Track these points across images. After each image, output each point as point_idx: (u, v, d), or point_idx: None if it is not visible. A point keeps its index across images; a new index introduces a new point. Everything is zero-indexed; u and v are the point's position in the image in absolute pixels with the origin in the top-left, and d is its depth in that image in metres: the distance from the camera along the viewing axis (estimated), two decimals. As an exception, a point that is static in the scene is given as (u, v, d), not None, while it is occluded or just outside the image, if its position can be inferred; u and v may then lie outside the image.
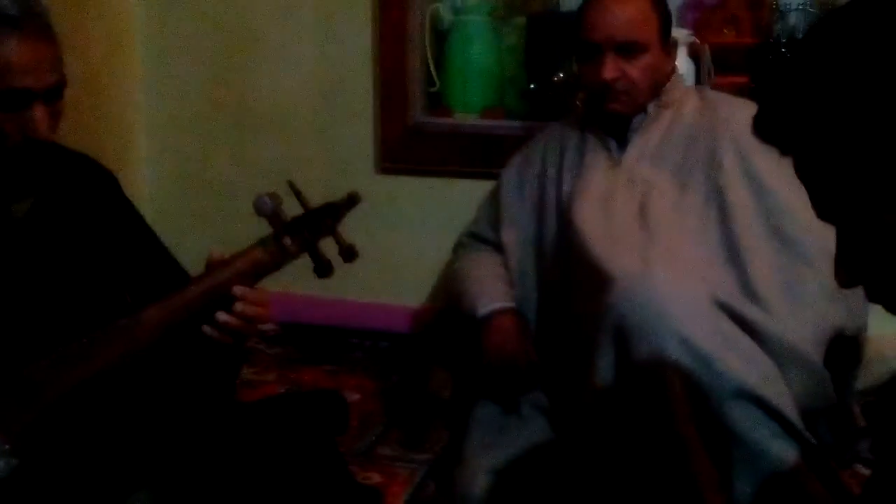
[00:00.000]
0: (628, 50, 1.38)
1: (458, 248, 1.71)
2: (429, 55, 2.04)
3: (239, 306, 1.05)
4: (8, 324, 1.04)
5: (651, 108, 1.45)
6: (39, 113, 1.04)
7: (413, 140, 2.05)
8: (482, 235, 1.66)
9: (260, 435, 1.26)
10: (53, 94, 1.06)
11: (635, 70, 1.39)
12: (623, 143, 1.47)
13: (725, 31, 1.84)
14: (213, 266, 1.08)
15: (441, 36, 2.07)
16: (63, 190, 1.15)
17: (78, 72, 1.12)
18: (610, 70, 1.38)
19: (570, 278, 1.42)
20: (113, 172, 1.28)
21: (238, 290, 1.06)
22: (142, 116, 2.25)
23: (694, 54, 1.73)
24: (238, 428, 1.25)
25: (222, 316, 1.05)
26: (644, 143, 1.44)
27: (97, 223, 1.19)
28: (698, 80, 1.72)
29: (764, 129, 0.65)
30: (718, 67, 1.73)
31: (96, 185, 1.23)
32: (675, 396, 1.14)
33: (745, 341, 1.20)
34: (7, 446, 0.97)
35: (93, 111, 1.11)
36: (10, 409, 0.98)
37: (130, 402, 1.11)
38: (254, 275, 1.08)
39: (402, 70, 2.01)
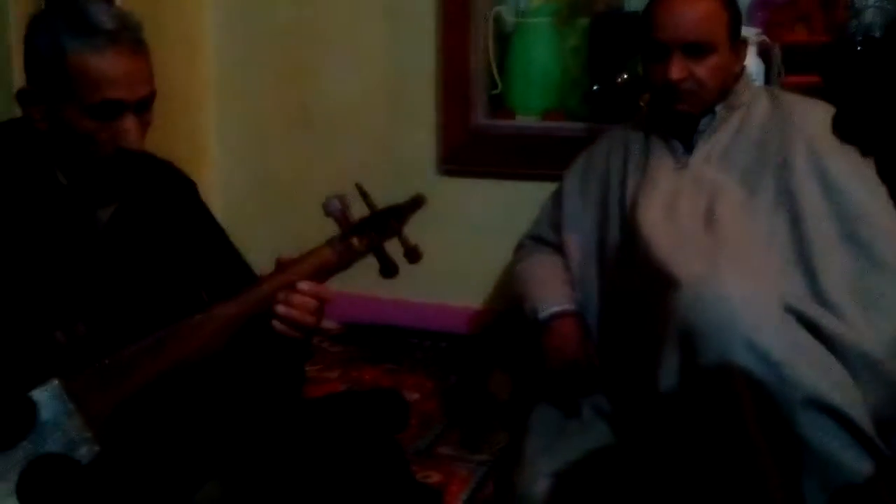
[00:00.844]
0: (696, 50, 1.36)
1: (520, 249, 1.70)
2: (491, 58, 2.05)
3: (297, 298, 1.08)
4: (92, 320, 1.09)
5: (719, 109, 1.42)
6: (130, 123, 1.08)
7: (475, 142, 2.06)
8: (544, 237, 1.65)
9: (324, 430, 1.30)
10: (144, 106, 1.11)
11: (703, 70, 1.37)
12: (690, 145, 1.44)
13: (796, 29, 1.79)
14: (282, 265, 1.11)
15: (504, 38, 2.08)
16: (145, 196, 1.20)
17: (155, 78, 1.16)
18: (677, 70, 1.36)
19: (633, 281, 1.40)
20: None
21: (302, 284, 1.09)
22: (214, 122, 2.33)
23: (764, 54, 1.68)
24: (303, 423, 1.28)
25: (281, 308, 1.08)
26: (711, 144, 1.42)
27: (175, 227, 1.24)
28: (768, 81, 1.68)
29: (844, 128, 0.64)
30: (789, 67, 1.68)
31: (176, 190, 1.28)
32: (743, 403, 1.11)
33: (817, 348, 1.16)
34: (90, 433, 1.02)
35: (167, 117, 1.16)
36: (94, 398, 1.02)
37: (203, 395, 1.15)
38: (321, 274, 1.11)
39: (465, 73, 2.03)
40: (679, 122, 1.44)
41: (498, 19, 2.06)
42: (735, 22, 1.40)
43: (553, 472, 1.31)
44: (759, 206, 1.34)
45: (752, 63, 1.62)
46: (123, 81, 1.06)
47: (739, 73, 1.45)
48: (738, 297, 1.15)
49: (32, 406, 1.00)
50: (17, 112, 1.14)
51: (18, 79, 1.71)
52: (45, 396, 1.01)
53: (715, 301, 1.15)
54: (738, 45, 1.42)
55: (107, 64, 1.05)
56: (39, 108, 1.08)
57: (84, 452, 1.01)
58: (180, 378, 1.08)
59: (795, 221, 1.31)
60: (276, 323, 1.09)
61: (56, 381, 1.02)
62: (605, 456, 1.32)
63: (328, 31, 2.20)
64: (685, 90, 1.38)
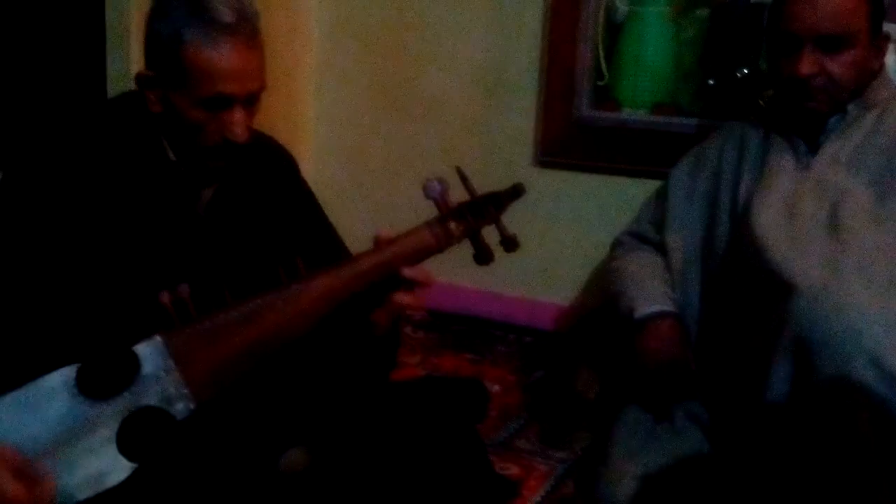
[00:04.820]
0: (831, 44, 1.26)
1: (617, 246, 1.64)
2: (600, 47, 1.99)
3: (408, 272, 1.07)
4: (195, 284, 1.10)
5: (851, 108, 1.32)
6: (239, 116, 1.09)
7: (577, 134, 2.00)
8: (644, 235, 1.59)
9: (406, 411, 1.29)
10: (253, 99, 1.11)
11: (838, 66, 1.27)
12: (815, 145, 1.35)
13: (945, 27, 1.64)
14: (380, 243, 1.10)
15: (614, 27, 2.01)
16: (248, 174, 1.22)
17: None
18: (808, 65, 1.26)
19: (741, 285, 1.32)
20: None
21: (408, 271, 1.08)
22: (313, 98, 2.36)
23: (906, 52, 1.56)
24: (387, 402, 1.28)
25: (404, 298, 1.07)
26: (840, 146, 1.32)
27: (275, 203, 1.25)
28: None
29: None
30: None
31: (277, 167, 1.30)
32: (860, 422, 1.03)
33: (951, 372, 1.06)
34: (187, 390, 1.03)
35: (269, 98, 1.16)
36: (193, 357, 1.04)
37: (296, 365, 1.15)
38: (418, 256, 1.10)
39: (572, 61, 1.97)
40: (805, 120, 1.34)
41: (610, 7, 1.99)
42: (877, 14, 1.30)
43: (640, 475, 1.25)
44: (888, 216, 1.24)
45: (892, 62, 1.50)
46: (236, 76, 1.06)
47: (877, 72, 1.34)
48: (862, 309, 1.07)
49: (135, 359, 1.03)
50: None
51: (134, 57, 1.79)
52: (148, 351, 1.03)
53: (836, 311, 1.07)
54: (879, 40, 1.32)
55: (221, 58, 1.05)
56: (155, 92, 1.10)
57: (180, 408, 1.03)
58: (275, 345, 1.09)
59: (929, 233, 1.20)
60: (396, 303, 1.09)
61: (158, 338, 1.04)
62: (697, 464, 1.25)
63: (430, 13, 2.18)
64: (815, 87, 1.28)
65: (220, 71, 1.06)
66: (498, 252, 1.11)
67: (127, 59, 1.81)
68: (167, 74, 1.08)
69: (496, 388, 1.87)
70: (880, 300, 1.09)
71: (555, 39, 1.99)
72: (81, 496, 0.97)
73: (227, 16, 1.06)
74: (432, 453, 1.28)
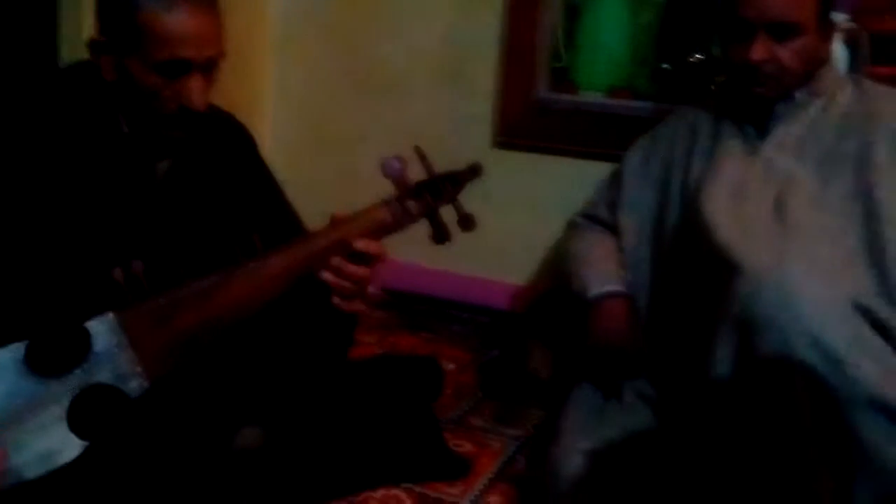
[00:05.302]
0: (782, 31, 1.30)
1: (571, 227, 1.67)
2: (559, 30, 2.00)
3: (350, 268, 1.07)
4: (149, 260, 1.09)
5: (799, 95, 1.36)
6: (196, 83, 1.07)
7: (534, 116, 2.01)
8: (598, 217, 1.61)
9: (362, 390, 1.30)
10: (210, 66, 1.10)
11: (787, 53, 1.31)
12: (763, 131, 1.38)
13: (887, 17, 1.69)
14: (337, 221, 1.10)
15: (573, 10, 2.03)
16: (205, 149, 1.20)
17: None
18: (759, 51, 1.30)
19: (690, 267, 1.36)
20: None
21: (361, 243, 1.08)
22: (274, 76, 2.33)
23: (851, 41, 1.60)
24: (343, 381, 1.28)
25: (329, 277, 1.08)
26: (787, 132, 1.36)
27: (232, 180, 1.24)
28: (854, 70, 1.60)
29: None
30: (877, 57, 1.60)
31: (236, 144, 1.28)
32: (799, 399, 1.08)
33: (884, 349, 1.11)
34: (140, 368, 1.02)
35: (228, 73, 1.14)
36: (146, 334, 1.03)
37: (251, 343, 1.15)
38: (375, 234, 1.10)
39: (531, 43, 1.98)
40: (754, 105, 1.38)
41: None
42: (825, 3, 1.33)
43: (588, 449, 1.28)
44: (832, 200, 1.29)
45: (838, 50, 1.55)
46: (192, 41, 1.05)
47: (825, 59, 1.38)
48: (804, 290, 1.11)
49: (87, 336, 1.01)
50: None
51: (88, 22, 1.73)
52: (100, 328, 1.02)
53: (779, 292, 1.11)
54: (827, 28, 1.36)
55: (177, 22, 1.04)
56: (108, 58, 1.08)
57: (133, 386, 1.02)
58: (231, 322, 1.08)
59: (869, 218, 1.25)
60: (327, 275, 1.09)
61: (111, 315, 1.03)
62: (644, 439, 1.29)
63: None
64: (766, 73, 1.32)
65: (177, 35, 1.04)
66: (455, 231, 1.12)
67: (80, 25, 1.76)
68: (122, 39, 1.06)
69: (451, 366, 1.89)
70: (822, 283, 1.13)
71: (514, 21, 2.00)
72: (31, 475, 0.96)
73: None
74: (387, 430, 1.30)
